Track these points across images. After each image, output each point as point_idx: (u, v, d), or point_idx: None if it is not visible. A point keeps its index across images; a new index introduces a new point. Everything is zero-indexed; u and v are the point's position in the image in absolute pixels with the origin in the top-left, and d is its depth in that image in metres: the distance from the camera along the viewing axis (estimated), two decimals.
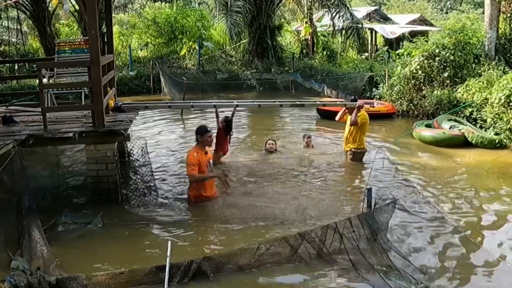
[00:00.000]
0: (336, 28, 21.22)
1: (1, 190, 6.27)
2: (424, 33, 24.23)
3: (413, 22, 28.61)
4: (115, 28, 23.70)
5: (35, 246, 4.86)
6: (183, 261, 4.44)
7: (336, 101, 12.75)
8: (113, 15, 13.67)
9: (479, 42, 13.59)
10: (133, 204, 6.50)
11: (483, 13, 16.90)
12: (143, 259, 4.98)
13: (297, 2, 24.17)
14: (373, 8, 33.21)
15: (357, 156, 8.25)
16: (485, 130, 10.05)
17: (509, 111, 9.57)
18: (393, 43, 24.64)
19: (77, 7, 20.29)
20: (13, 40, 23.31)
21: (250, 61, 21.42)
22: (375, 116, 11.14)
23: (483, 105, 10.61)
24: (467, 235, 5.45)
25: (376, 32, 26.07)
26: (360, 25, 20.87)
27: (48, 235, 5.29)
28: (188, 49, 22.37)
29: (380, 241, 4.85)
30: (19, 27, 23.35)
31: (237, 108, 8.69)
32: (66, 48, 9.10)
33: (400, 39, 24.22)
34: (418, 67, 12.74)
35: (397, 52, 19.96)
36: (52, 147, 8.06)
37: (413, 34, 22.22)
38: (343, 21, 20.52)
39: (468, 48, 12.65)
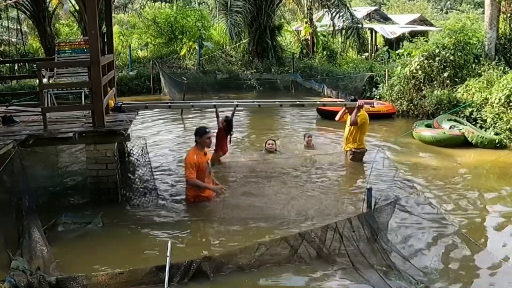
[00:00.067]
0: (336, 28, 21.23)
1: (1, 190, 6.27)
2: (424, 33, 24.23)
3: (413, 22, 28.61)
4: (115, 28, 23.71)
5: (35, 246, 4.86)
6: (183, 261, 4.44)
7: (336, 101, 12.75)
8: (113, 15, 13.68)
9: (479, 42, 13.60)
10: (133, 204, 6.50)
11: (483, 13, 16.90)
12: (143, 259, 4.98)
13: (297, 2, 24.16)
14: (373, 8, 33.21)
15: (357, 156, 8.24)
16: (485, 130, 10.04)
17: (509, 111, 9.57)
18: (393, 43, 24.65)
19: (77, 7, 20.29)
20: (13, 40, 23.32)
21: (250, 61, 21.42)
22: (375, 116, 11.14)
23: (483, 105, 10.61)
24: (469, 236, 5.40)
25: (376, 32, 26.07)
26: (360, 25, 20.87)
27: (48, 235, 5.28)
28: (188, 49, 22.38)
29: (380, 241, 4.85)
30: (19, 27, 23.36)
31: (237, 108, 8.70)
32: (66, 48, 9.10)
33: (400, 39, 24.23)
34: (418, 67, 12.74)
35: (397, 52, 19.96)
36: (52, 147, 8.05)
37: (413, 34, 22.23)
38: (343, 21, 20.52)
39: (468, 48, 12.65)
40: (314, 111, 13.10)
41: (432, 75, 12.69)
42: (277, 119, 13.38)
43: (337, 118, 8.93)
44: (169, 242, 4.78)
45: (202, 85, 18.03)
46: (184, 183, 6.87)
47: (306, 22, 23.61)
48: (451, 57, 12.34)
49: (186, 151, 7.13)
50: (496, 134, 9.64)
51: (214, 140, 7.56)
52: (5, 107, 8.65)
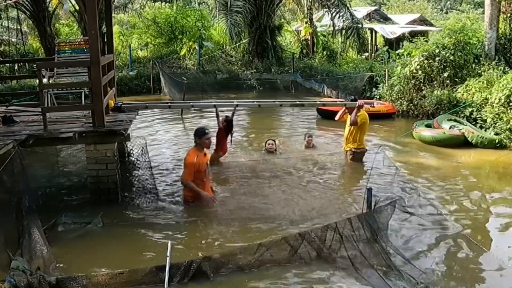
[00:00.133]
0: (336, 28, 21.23)
1: (1, 190, 6.26)
2: (424, 33, 24.23)
3: (413, 22, 28.62)
4: (115, 28, 23.71)
5: (35, 246, 4.86)
6: (183, 261, 4.44)
7: (336, 101, 12.76)
8: (113, 15, 13.68)
9: (479, 42, 13.60)
10: (133, 204, 6.49)
11: (483, 13, 16.90)
12: (143, 259, 4.98)
13: (297, 2, 24.17)
14: (373, 8, 33.21)
15: (357, 156, 8.24)
16: (485, 130, 10.04)
17: (509, 111, 9.57)
18: (393, 43, 24.65)
19: (77, 7, 20.30)
20: (13, 40, 23.32)
21: (250, 61, 21.43)
22: (375, 116, 11.14)
23: (483, 105, 10.61)
24: (471, 237, 5.39)
25: (376, 32, 26.07)
26: (360, 25, 20.87)
27: (48, 235, 5.28)
28: (188, 49, 22.38)
29: (380, 241, 4.84)
30: (19, 27, 23.36)
31: (237, 108, 8.70)
32: (66, 48, 9.10)
33: (400, 39, 24.23)
34: (418, 67, 12.74)
35: (397, 52, 19.97)
36: (52, 147, 8.05)
37: (413, 34, 22.23)
38: (343, 21, 20.52)
39: (468, 48, 12.65)
40: (314, 111, 13.11)
41: (432, 75, 12.69)
42: (277, 119, 13.38)
43: (337, 118, 8.92)
44: (169, 242, 4.79)
45: (202, 85, 18.04)
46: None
47: (306, 22, 23.61)
48: (451, 57, 12.34)
49: (185, 151, 7.11)
50: (496, 134, 9.64)
51: (214, 140, 7.56)
52: (5, 107, 8.66)
